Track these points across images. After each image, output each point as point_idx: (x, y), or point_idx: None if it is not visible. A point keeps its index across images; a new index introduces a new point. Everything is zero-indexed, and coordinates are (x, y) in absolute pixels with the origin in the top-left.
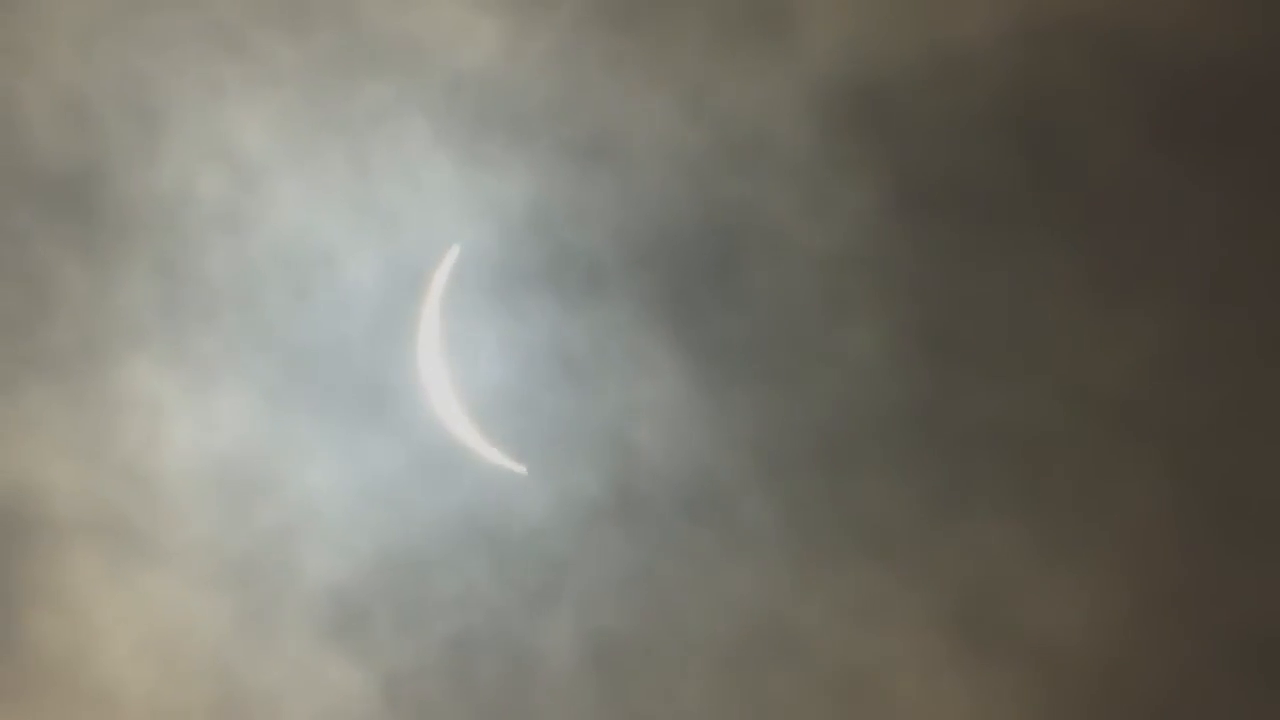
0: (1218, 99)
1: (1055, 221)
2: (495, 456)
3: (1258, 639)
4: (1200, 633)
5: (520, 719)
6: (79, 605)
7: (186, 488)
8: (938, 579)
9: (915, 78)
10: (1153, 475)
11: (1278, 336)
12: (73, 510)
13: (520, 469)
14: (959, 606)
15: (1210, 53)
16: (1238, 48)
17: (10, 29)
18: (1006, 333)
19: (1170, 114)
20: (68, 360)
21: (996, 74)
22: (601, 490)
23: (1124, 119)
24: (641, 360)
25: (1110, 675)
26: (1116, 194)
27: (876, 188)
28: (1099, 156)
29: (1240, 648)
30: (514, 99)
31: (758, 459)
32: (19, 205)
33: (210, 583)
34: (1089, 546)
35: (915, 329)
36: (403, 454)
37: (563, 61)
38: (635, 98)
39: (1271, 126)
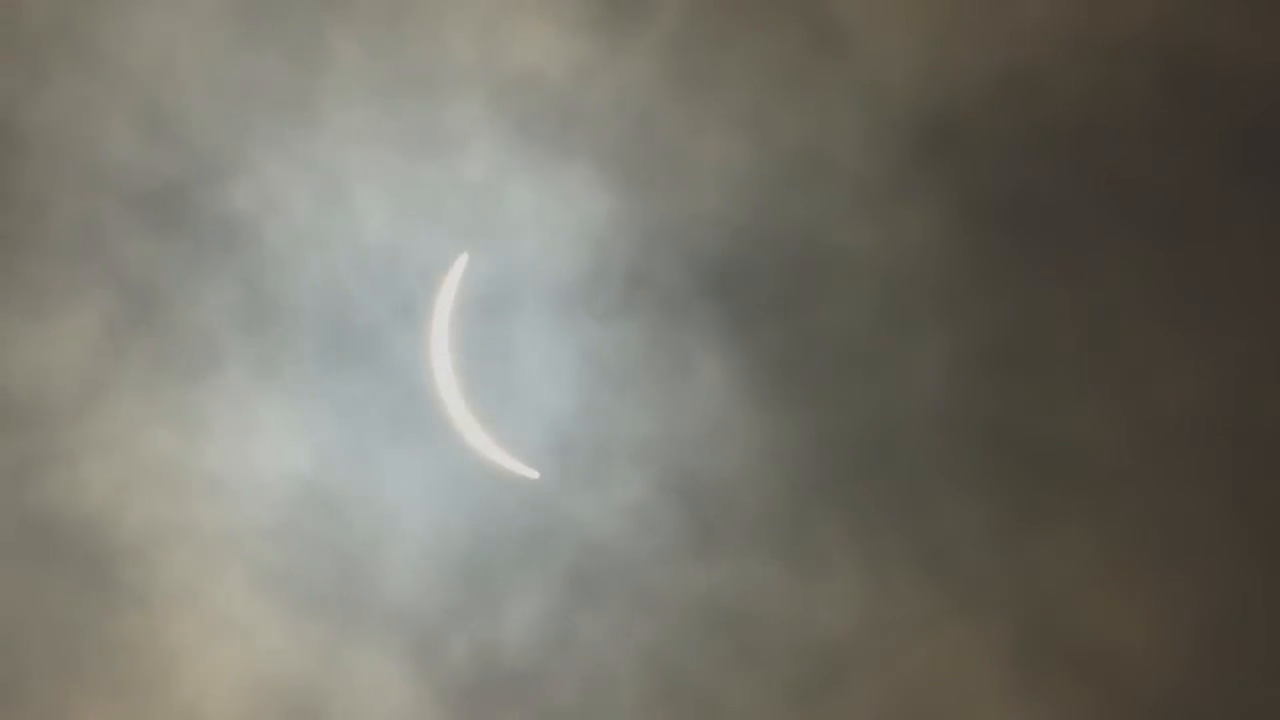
0: None
1: (1122, 242)
2: (560, 475)
3: None
4: (1268, 658)
5: None
6: (161, 622)
7: (268, 505)
8: (1003, 602)
9: (980, 99)
10: (1220, 498)
11: None
12: (155, 527)
13: (534, 474)
14: (1025, 630)
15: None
16: None
17: (97, 43)
18: (1073, 353)
19: (1239, 132)
20: (153, 375)
21: (1062, 94)
22: (672, 513)
23: (1192, 138)
24: (710, 383)
25: (1175, 700)
26: (1184, 213)
27: (942, 209)
28: (1167, 176)
29: None
30: (589, 122)
31: (824, 483)
32: (105, 220)
33: (290, 601)
34: (1155, 570)
35: (981, 350)
36: (481, 475)
37: (637, 87)
38: (705, 123)
39: None
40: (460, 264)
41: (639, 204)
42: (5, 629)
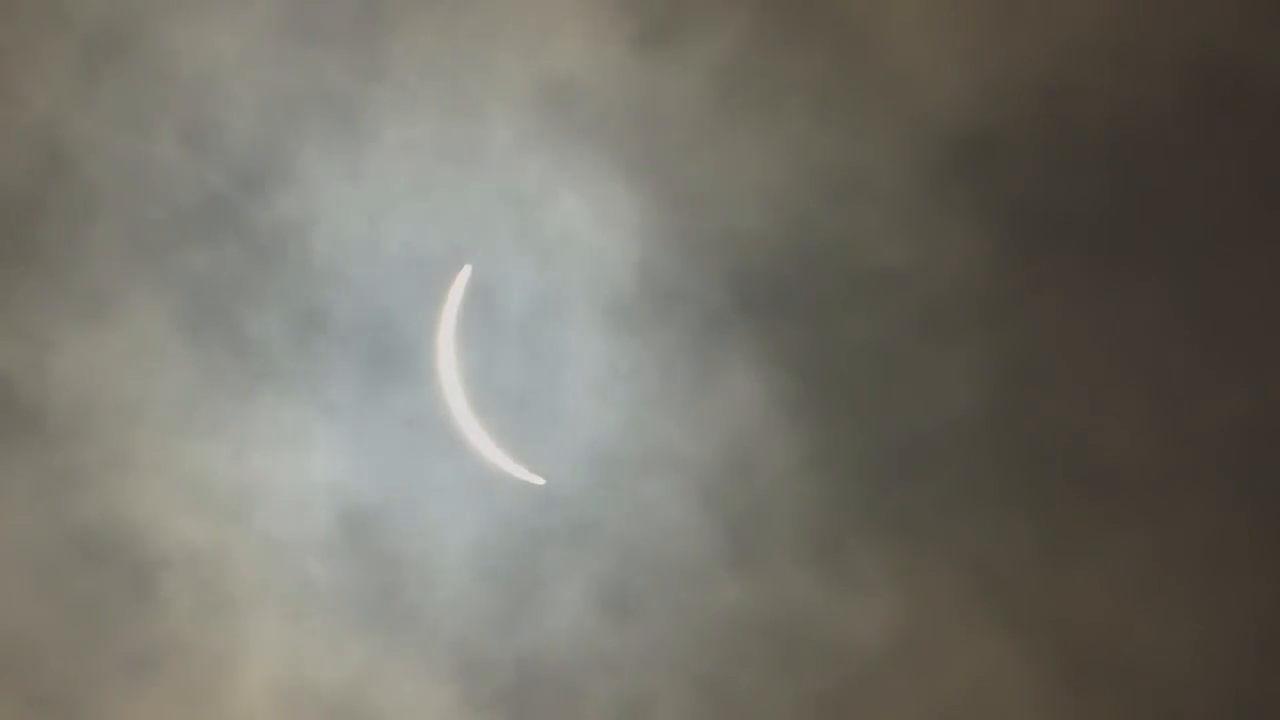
0: None
1: (1160, 256)
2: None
3: None
4: None
5: None
6: (205, 634)
7: (312, 518)
8: (1041, 617)
9: (1016, 117)
10: (1261, 511)
11: None
12: (200, 539)
13: (539, 480)
14: (1064, 645)
15: None
16: None
17: (144, 58)
18: (1112, 367)
19: (1277, 148)
20: (199, 387)
21: (1099, 111)
22: (710, 527)
23: (1229, 153)
24: (748, 397)
25: (1219, 717)
26: (1222, 228)
27: (979, 226)
28: (1204, 191)
29: None
30: (633, 139)
31: (862, 498)
32: (153, 231)
33: (334, 614)
34: (1197, 585)
35: (1020, 364)
36: (521, 489)
37: (682, 105)
38: (747, 142)
39: None
40: (464, 274)
41: (680, 220)
42: (52, 639)
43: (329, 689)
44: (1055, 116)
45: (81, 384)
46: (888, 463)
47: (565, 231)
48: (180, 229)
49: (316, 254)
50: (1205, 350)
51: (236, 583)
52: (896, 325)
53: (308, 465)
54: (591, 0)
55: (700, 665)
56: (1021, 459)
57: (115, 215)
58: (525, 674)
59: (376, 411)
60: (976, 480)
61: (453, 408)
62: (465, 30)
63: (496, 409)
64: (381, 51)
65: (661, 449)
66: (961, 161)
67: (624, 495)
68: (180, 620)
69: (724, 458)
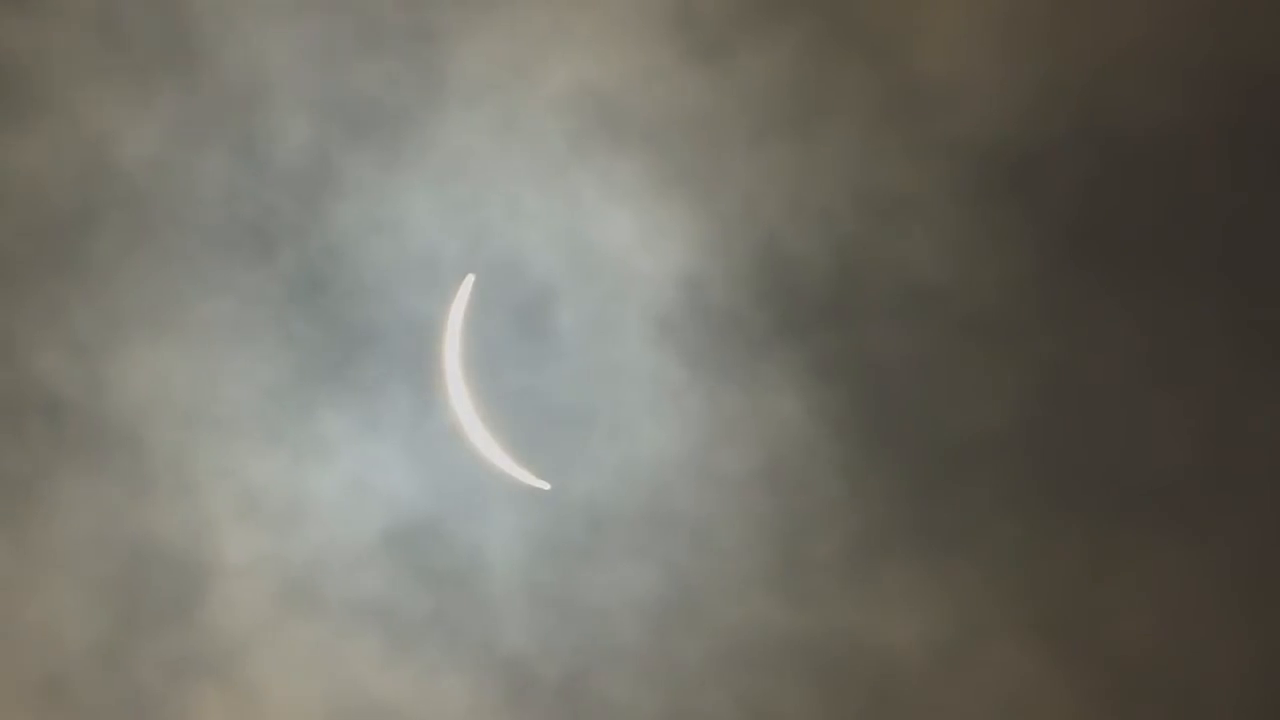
0: None
1: (1204, 271)
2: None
3: None
4: None
5: None
6: (256, 649)
7: (362, 534)
8: (1084, 637)
9: (1059, 136)
10: None
11: None
12: (250, 555)
13: (545, 485)
14: (1105, 664)
15: None
16: None
17: (198, 70)
18: (1154, 384)
19: None
20: (250, 404)
21: (1140, 128)
22: (753, 546)
23: (1275, 166)
24: (792, 419)
25: None
26: (1267, 242)
27: (1024, 246)
28: (1249, 205)
29: None
30: (683, 159)
31: (908, 517)
32: (203, 247)
33: (384, 630)
34: (1247, 604)
35: (1062, 383)
36: (571, 508)
37: (730, 127)
38: (794, 160)
39: None
40: (468, 284)
41: (727, 236)
42: (105, 648)
43: (378, 700)
44: (1098, 131)
45: (135, 396)
46: (931, 477)
47: (614, 246)
48: (234, 241)
49: (369, 265)
50: (1249, 363)
51: (288, 593)
52: (940, 340)
53: (360, 476)
54: (643, 16)
55: (744, 680)
56: (1064, 473)
57: (169, 228)
58: (571, 689)
59: (429, 423)
60: (1020, 494)
61: (458, 409)
62: (518, 44)
63: (541, 423)
64: (434, 64)
65: (706, 464)
66: (1005, 176)
67: (669, 510)
68: (232, 630)
69: (768, 472)
